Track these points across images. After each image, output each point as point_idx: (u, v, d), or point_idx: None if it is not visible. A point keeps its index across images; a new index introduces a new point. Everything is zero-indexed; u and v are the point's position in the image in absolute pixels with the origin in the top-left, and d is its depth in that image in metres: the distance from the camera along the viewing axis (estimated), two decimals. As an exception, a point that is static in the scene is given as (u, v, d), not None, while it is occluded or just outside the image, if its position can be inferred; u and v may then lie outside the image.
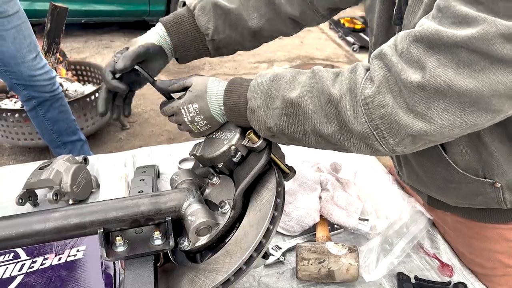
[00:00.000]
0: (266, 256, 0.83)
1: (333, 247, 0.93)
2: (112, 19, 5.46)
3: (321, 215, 1.06)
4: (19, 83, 1.96)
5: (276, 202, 0.75)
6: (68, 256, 0.92)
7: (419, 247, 1.04)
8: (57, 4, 2.94)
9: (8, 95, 3.04)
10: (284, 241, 1.05)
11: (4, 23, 1.81)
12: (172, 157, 1.39)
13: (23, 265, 0.90)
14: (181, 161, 1.36)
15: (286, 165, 0.85)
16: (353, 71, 0.66)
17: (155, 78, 0.88)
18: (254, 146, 0.78)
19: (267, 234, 0.72)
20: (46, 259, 0.91)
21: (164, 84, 0.86)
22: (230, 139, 0.81)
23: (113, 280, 0.88)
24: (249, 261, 0.71)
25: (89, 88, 3.22)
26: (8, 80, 1.96)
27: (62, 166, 1.16)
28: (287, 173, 0.85)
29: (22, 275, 0.87)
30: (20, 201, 1.11)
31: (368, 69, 0.66)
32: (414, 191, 1.07)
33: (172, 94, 0.87)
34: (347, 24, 5.54)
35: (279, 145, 0.85)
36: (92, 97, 2.97)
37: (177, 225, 0.81)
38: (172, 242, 0.76)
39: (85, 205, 0.77)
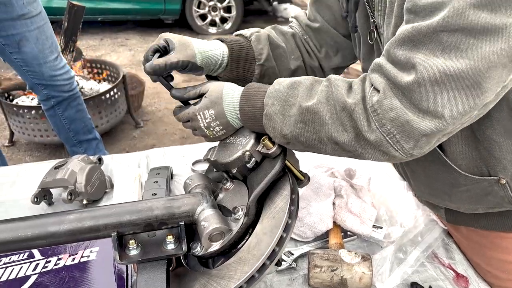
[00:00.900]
0: (278, 263, 0.83)
1: (347, 255, 0.92)
2: (128, 17, 5.51)
3: (334, 222, 1.05)
4: (40, 82, 1.99)
5: (290, 209, 0.74)
6: (82, 256, 0.93)
7: (433, 257, 1.02)
8: (74, 2, 2.98)
9: (25, 92, 3.08)
10: (297, 247, 1.04)
11: (28, 24, 1.83)
12: (186, 159, 1.40)
13: (37, 264, 0.91)
14: (194, 163, 1.36)
15: (301, 171, 0.84)
16: (363, 81, 0.68)
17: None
18: (269, 153, 0.78)
19: (280, 242, 0.72)
20: (60, 259, 0.92)
21: (180, 92, 0.86)
22: (245, 145, 0.80)
23: (125, 282, 0.88)
24: (262, 269, 0.70)
25: (104, 86, 3.25)
26: (30, 80, 1.99)
27: (77, 166, 1.17)
28: (302, 180, 0.84)
29: (36, 275, 0.88)
30: (36, 200, 1.13)
31: None
32: (431, 208, 1.06)
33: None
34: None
35: (294, 151, 0.85)
36: (107, 95, 3.00)
37: (189, 229, 0.81)
38: (185, 247, 0.76)
39: (99, 208, 0.78)
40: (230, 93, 0.81)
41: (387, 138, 0.64)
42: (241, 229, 0.76)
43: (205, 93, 0.83)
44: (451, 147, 0.81)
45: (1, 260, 0.92)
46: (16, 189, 1.28)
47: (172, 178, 1.28)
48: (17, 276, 0.88)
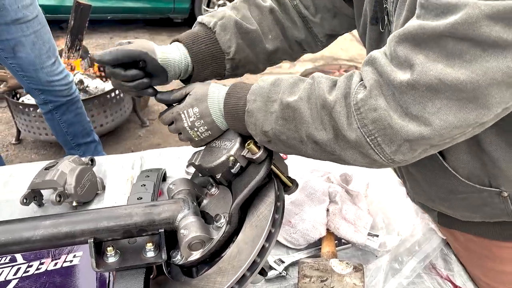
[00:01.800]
0: (264, 272, 0.79)
1: (338, 265, 0.88)
2: (137, 16, 5.52)
3: (328, 229, 1.01)
4: (37, 88, 1.95)
5: (274, 217, 0.71)
6: (64, 261, 0.91)
7: (431, 268, 0.98)
8: (81, 1, 2.98)
9: (32, 90, 3.09)
10: (288, 255, 1.01)
11: (23, 28, 1.77)
12: (181, 160, 1.37)
13: (18, 269, 0.88)
14: (188, 165, 1.33)
15: (289, 177, 0.81)
16: (349, 78, 0.64)
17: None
18: (254, 158, 0.74)
19: (262, 252, 0.68)
20: (42, 263, 0.90)
21: (165, 95, 0.83)
22: (229, 149, 0.77)
23: (107, 289, 0.85)
24: (241, 280, 0.67)
25: (109, 84, 3.24)
26: (26, 85, 1.95)
27: (67, 167, 1.15)
28: (289, 186, 0.80)
29: (17, 279, 0.86)
30: (25, 201, 1.11)
31: None
32: (424, 210, 1.01)
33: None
34: (373, 24, 5.41)
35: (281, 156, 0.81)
36: (113, 94, 2.99)
37: (172, 237, 0.78)
38: (164, 255, 0.73)
39: (76, 213, 0.75)
40: (215, 92, 0.79)
41: (368, 139, 0.60)
42: (222, 237, 0.73)
43: (189, 92, 0.80)
44: (453, 154, 0.76)
45: (-17, 263, 0.90)
46: (9, 189, 1.26)
47: (164, 179, 1.25)
48: (-2, 280, 0.86)
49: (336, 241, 1.02)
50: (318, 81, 0.66)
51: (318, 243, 1.02)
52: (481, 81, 0.51)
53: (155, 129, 3.47)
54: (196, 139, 0.83)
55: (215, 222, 0.75)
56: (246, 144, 0.75)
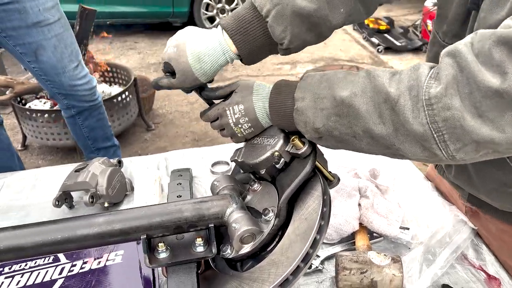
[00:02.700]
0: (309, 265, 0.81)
1: (376, 257, 0.90)
2: (136, 20, 5.53)
3: (360, 223, 1.04)
4: (60, 92, 1.93)
5: (322, 210, 0.73)
6: (107, 260, 0.92)
7: (463, 258, 1.00)
8: (85, 6, 2.99)
9: (38, 96, 3.10)
10: (322, 249, 1.03)
11: (44, 32, 1.75)
12: (204, 160, 1.39)
13: (63, 268, 0.90)
14: (213, 164, 1.35)
15: (330, 172, 0.83)
16: (415, 69, 0.61)
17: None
18: (299, 153, 0.76)
19: (314, 244, 0.70)
20: (85, 262, 0.91)
21: (211, 92, 0.85)
22: (274, 145, 0.79)
23: (152, 286, 0.87)
24: (296, 271, 0.69)
25: (115, 89, 3.26)
26: (50, 89, 1.93)
27: (97, 169, 1.16)
28: (332, 180, 0.82)
29: (63, 279, 0.87)
30: (57, 203, 1.12)
31: (432, 67, 0.60)
32: (454, 187, 1.02)
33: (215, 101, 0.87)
34: (371, 25, 5.47)
35: (322, 152, 0.83)
36: (119, 98, 3.01)
37: (217, 231, 0.80)
38: (214, 250, 0.75)
39: (128, 210, 0.76)
40: (260, 89, 0.80)
41: (435, 134, 0.58)
42: (272, 230, 0.75)
43: (235, 90, 0.82)
44: None
45: (27, 264, 0.91)
46: (36, 193, 1.27)
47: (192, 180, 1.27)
48: (43, 280, 0.87)
49: (368, 235, 1.04)
50: (375, 74, 0.65)
51: (350, 238, 1.04)
52: None
53: (160, 132, 3.48)
54: (239, 135, 0.85)
55: (263, 216, 0.77)
56: (291, 139, 0.77)
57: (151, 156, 1.43)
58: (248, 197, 0.85)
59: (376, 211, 1.03)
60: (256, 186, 0.85)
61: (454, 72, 0.56)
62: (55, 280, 0.87)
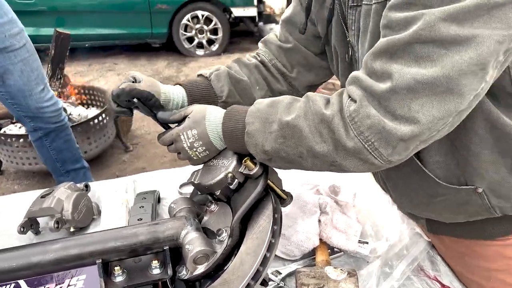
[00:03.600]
0: (265, 283, 0.83)
1: (333, 272, 0.93)
2: (115, 42, 5.56)
3: (320, 239, 1.06)
4: (26, 115, 1.96)
5: (273, 229, 0.76)
6: (69, 285, 0.92)
7: (419, 270, 1.03)
8: (60, 30, 3.01)
9: (13, 121, 3.08)
10: (284, 266, 1.05)
11: (11, 57, 1.80)
12: (173, 182, 1.40)
13: (23, 295, 0.90)
14: (181, 186, 1.37)
15: (283, 190, 0.86)
16: (340, 95, 0.72)
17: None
18: (251, 173, 0.79)
19: (264, 262, 0.73)
20: (46, 289, 0.92)
21: (165, 115, 0.89)
22: (227, 167, 0.82)
23: (113, 309, 0.88)
24: (246, 289, 0.71)
25: (92, 111, 3.26)
26: (15, 112, 1.97)
27: (63, 194, 1.17)
28: (284, 199, 0.85)
29: (23, 306, 0.87)
30: (22, 229, 1.12)
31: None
32: (413, 219, 1.08)
33: (171, 125, 0.90)
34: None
35: (276, 170, 0.86)
36: (96, 121, 3.01)
37: (175, 253, 0.82)
38: (170, 271, 0.77)
39: (83, 236, 0.78)
40: (213, 114, 0.84)
41: (366, 145, 0.66)
42: (225, 250, 0.77)
43: (188, 115, 0.85)
44: (429, 157, 0.83)
45: (-13, 292, 0.91)
46: (2, 220, 1.27)
47: (159, 201, 1.29)
48: (3, 308, 0.87)
49: (329, 250, 1.07)
50: (313, 99, 0.73)
51: (312, 253, 1.07)
52: (451, 74, 0.60)
53: (139, 153, 3.48)
54: (195, 158, 0.88)
55: (217, 237, 0.79)
56: (243, 161, 0.80)
57: (120, 179, 1.44)
58: (205, 218, 0.88)
59: (335, 227, 1.07)
60: (213, 207, 0.88)
61: (360, 92, 0.67)
62: (15, 308, 0.87)
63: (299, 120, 0.72)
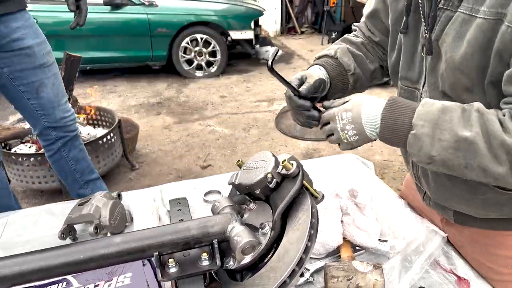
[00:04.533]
0: (301, 274, 0.91)
1: (359, 265, 1.02)
2: (116, 65, 5.68)
3: (344, 238, 1.15)
4: (51, 125, 2.10)
5: (311, 221, 0.84)
6: (117, 282, 1.00)
7: (436, 264, 1.13)
8: (71, 53, 3.12)
9: (23, 140, 3.15)
10: (311, 263, 1.13)
11: (46, 72, 1.99)
12: (197, 191, 1.49)
13: (76, 292, 0.97)
14: (206, 194, 1.45)
15: (315, 190, 0.95)
16: (509, 119, 0.77)
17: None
18: (288, 173, 0.89)
19: (306, 250, 0.81)
20: (97, 286, 0.99)
21: (328, 103, 1.00)
22: (266, 167, 0.91)
23: (160, 303, 0.95)
24: (292, 274, 0.80)
25: (100, 131, 3.35)
26: (42, 124, 2.09)
27: (100, 202, 1.25)
28: (317, 197, 0.94)
29: (77, 301, 0.95)
30: (62, 235, 1.20)
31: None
32: (439, 210, 1.15)
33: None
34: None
35: (307, 172, 0.96)
36: (104, 140, 3.09)
37: (219, 247, 0.90)
38: (219, 262, 0.85)
39: (140, 231, 0.86)
40: (371, 102, 0.89)
41: None
42: (269, 242, 0.86)
43: (348, 100, 0.94)
44: None
45: (42, 289, 0.98)
46: (39, 228, 1.34)
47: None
48: (58, 304, 0.94)
49: (352, 249, 1.16)
50: (488, 118, 0.77)
51: (336, 252, 1.16)
52: None
53: (144, 171, 3.56)
54: (345, 141, 0.93)
55: (260, 230, 0.88)
56: (281, 162, 0.90)
57: (146, 189, 1.52)
58: (245, 216, 0.96)
59: (357, 226, 1.16)
60: (252, 205, 0.96)
61: None
62: (70, 303, 0.94)
63: (477, 137, 0.75)
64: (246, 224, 0.93)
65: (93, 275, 1.02)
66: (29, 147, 3.06)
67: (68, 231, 1.23)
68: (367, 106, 0.89)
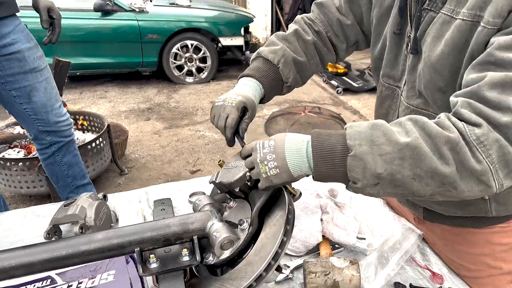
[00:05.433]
0: (279, 268, 0.95)
1: (337, 261, 1.05)
2: (106, 71, 5.69)
3: (323, 236, 1.19)
4: (45, 130, 2.11)
5: (288, 217, 0.88)
6: (101, 279, 1.02)
7: (411, 260, 1.16)
8: (60, 58, 3.14)
9: (11, 145, 3.15)
10: (291, 260, 1.17)
11: (37, 76, 2.01)
12: (182, 192, 1.52)
13: (60, 289, 0.99)
14: (191, 195, 1.48)
15: (293, 188, 0.99)
16: (448, 119, 0.76)
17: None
18: (266, 172, 0.92)
19: (282, 245, 0.85)
20: (80, 283, 1.01)
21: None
22: (245, 166, 0.95)
23: (142, 299, 0.98)
24: (268, 268, 0.83)
25: (89, 136, 3.36)
26: (36, 128, 2.10)
27: (85, 202, 1.27)
28: (295, 194, 0.98)
29: (61, 298, 0.97)
30: (48, 236, 1.22)
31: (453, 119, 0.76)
32: (410, 207, 1.20)
33: None
34: (330, 69, 5.88)
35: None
36: (93, 144, 3.10)
37: (199, 244, 0.93)
38: (198, 257, 0.88)
39: (123, 228, 0.89)
40: (295, 135, 0.84)
41: (491, 167, 0.71)
42: (247, 237, 0.89)
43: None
44: None
45: (26, 287, 1.00)
46: (25, 229, 1.36)
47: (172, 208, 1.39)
48: (42, 301, 0.96)
49: (331, 246, 1.19)
50: (424, 121, 0.75)
51: (315, 249, 1.19)
52: None
53: (134, 176, 3.57)
54: (263, 176, 0.84)
55: (239, 226, 0.91)
56: (259, 161, 0.93)
57: (132, 191, 1.55)
58: (226, 213, 1.00)
59: (335, 224, 1.19)
60: (232, 203, 1.00)
61: (481, 118, 0.73)
62: (54, 300, 0.96)
63: (418, 141, 0.72)
64: (226, 221, 0.96)
65: (77, 272, 1.04)
66: (18, 152, 3.06)
67: (54, 231, 1.25)
68: (291, 139, 0.83)
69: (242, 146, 0.99)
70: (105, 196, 1.39)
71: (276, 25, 8.72)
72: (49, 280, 1.02)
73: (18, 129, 3.35)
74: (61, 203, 1.36)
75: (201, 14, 5.86)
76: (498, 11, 0.74)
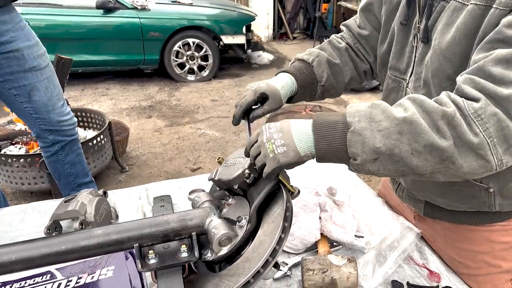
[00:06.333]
0: (277, 265, 0.95)
1: (334, 259, 1.06)
2: (108, 68, 5.70)
3: (321, 233, 1.19)
4: (47, 128, 2.11)
5: (286, 214, 0.88)
6: (100, 275, 1.03)
7: (409, 259, 1.17)
8: (62, 55, 3.14)
9: (13, 142, 3.16)
10: (290, 258, 1.17)
11: (38, 75, 2.00)
12: (182, 189, 1.52)
13: (59, 284, 1.00)
14: (190, 192, 1.49)
15: (292, 185, 0.99)
16: (447, 96, 0.77)
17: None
18: (265, 169, 0.92)
19: (279, 242, 0.85)
20: (80, 278, 1.02)
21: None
22: (244, 164, 0.95)
23: (141, 295, 0.98)
24: (265, 264, 0.83)
25: (90, 133, 3.37)
26: (38, 127, 2.10)
27: (86, 199, 1.28)
28: (293, 192, 0.98)
29: (60, 293, 0.98)
30: (48, 231, 1.22)
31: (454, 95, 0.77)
32: (411, 203, 1.20)
33: None
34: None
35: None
36: (94, 141, 3.11)
37: (198, 240, 0.94)
38: (197, 254, 0.89)
39: (122, 223, 0.90)
40: (297, 121, 0.86)
41: (488, 140, 0.71)
42: (245, 234, 0.90)
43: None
44: None
45: (26, 282, 1.01)
46: (26, 225, 1.37)
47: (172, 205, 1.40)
48: (42, 295, 0.97)
49: (329, 244, 1.20)
50: (422, 98, 0.76)
51: (314, 247, 1.20)
52: None
53: (134, 173, 3.58)
54: (270, 156, 0.83)
55: (237, 223, 0.92)
56: (258, 159, 0.93)
57: (132, 188, 1.56)
58: (224, 210, 1.00)
59: (334, 222, 1.20)
60: (230, 200, 1.00)
61: (481, 93, 0.73)
62: (53, 294, 0.97)
63: (415, 116, 0.74)
64: (225, 218, 0.97)
65: (77, 268, 1.05)
66: (19, 148, 3.07)
67: (54, 227, 1.26)
68: (296, 121, 0.86)
69: (247, 132, 1.06)
70: (105, 193, 1.40)
71: (278, 24, 8.72)
72: (49, 275, 1.03)
73: (19, 126, 3.37)
74: (62, 199, 1.37)
75: (203, 12, 5.86)
76: None
